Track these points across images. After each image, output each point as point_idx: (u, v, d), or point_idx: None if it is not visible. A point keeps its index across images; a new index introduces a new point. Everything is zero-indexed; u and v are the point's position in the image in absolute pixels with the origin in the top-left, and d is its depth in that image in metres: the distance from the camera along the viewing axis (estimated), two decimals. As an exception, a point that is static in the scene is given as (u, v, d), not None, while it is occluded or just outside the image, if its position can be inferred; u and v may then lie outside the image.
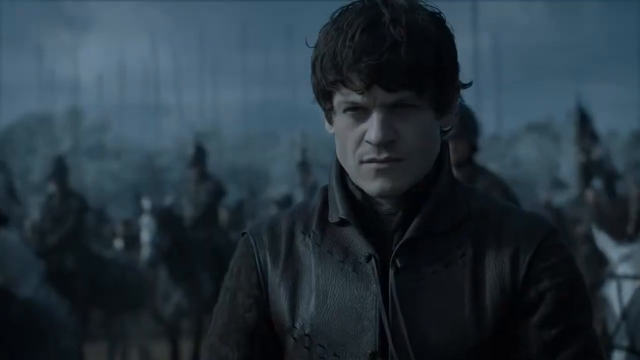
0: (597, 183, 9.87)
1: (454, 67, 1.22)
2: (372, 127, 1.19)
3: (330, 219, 1.26)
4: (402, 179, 1.21)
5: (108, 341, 7.81)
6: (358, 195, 1.24)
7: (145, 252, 7.29)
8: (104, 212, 14.90)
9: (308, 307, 1.23)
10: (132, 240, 9.31)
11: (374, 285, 1.21)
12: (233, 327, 1.26)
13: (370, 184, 1.21)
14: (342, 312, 1.21)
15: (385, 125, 1.19)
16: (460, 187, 1.28)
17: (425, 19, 1.19)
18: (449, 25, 1.23)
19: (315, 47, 1.22)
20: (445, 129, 1.26)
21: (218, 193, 7.61)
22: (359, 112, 1.21)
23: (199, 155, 7.64)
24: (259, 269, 1.27)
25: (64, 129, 28.63)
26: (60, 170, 7.39)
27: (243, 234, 1.30)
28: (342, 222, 1.25)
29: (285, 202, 10.38)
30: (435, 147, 1.24)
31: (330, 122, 1.25)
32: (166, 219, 7.29)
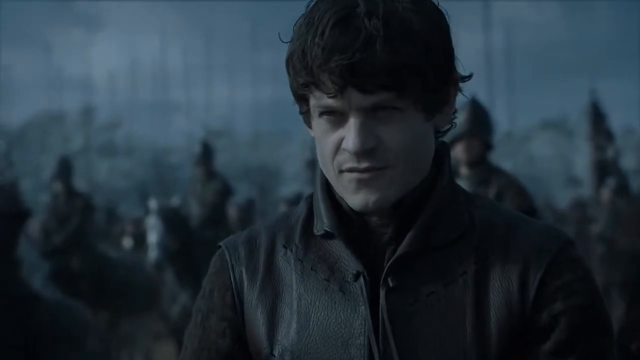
0: (612, 181, 9.72)
1: (447, 61, 1.06)
2: (350, 134, 1.05)
3: (315, 230, 1.11)
4: (388, 190, 1.06)
5: (114, 342, 7.73)
6: (345, 205, 1.10)
7: (152, 253, 7.22)
8: (114, 211, 14.87)
9: (288, 332, 1.08)
10: (141, 239, 9.24)
11: (363, 308, 1.06)
12: (204, 356, 1.13)
13: (353, 197, 1.07)
14: (327, 339, 1.06)
15: (363, 131, 1.04)
16: (462, 194, 1.13)
17: (409, 7, 1.04)
18: (441, 14, 1.07)
19: (290, 42, 1.07)
20: (442, 129, 1.10)
21: (225, 192, 7.53)
22: (336, 117, 1.06)
23: (206, 154, 7.56)
24: (233, 288, 1.12)
25: (76, 127, 28.66)
26: (65, 169, 7.34)
27: (218, 247, 1.16)
28: (328, 235, 1.10)
29: (296, 200, 10.26)
30: (427, 152, 1.09)
31: (310, 126, 1.10)
32: (173, 219, 7.21)
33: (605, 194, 9.37)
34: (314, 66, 1.03)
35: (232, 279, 1.12)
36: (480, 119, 4.17)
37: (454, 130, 4.34)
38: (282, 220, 1.15)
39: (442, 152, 1.12)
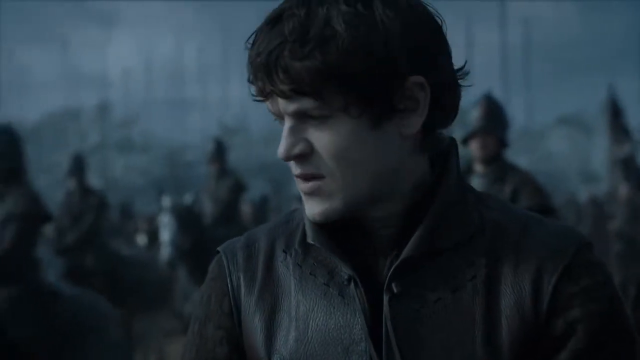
0: (633, 178, 9.61)
1: (389, 64, 0.97)
2: (281, 139, 1.01)
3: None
4: (331, 202, 1.00)
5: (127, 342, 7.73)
6: None
7: (165, 252, 7.22)
8: (129, 207, 14.89)
9: (287, 340, 1.03)
10: (156, 236, 9.25)
11: (358, 313, 1.00)
12: None
13: (305, 206, 1.03)
14: (327, 345, 1.01)
15: (290, 136, 1.00)
16: (471, 194, 1.06)
17: (346, 11, 0.96)
18: (398, 18, 0.97)
19: None
20: (406, 132, 1.01)
21: (238, 189, 7.51)
22: (282, 121, 1.02)
23: (219, 151, 7.55)
24: (231, 295, 1.07)
25: (92, 124, 28.80)
26: (79, 167, 7.33)
27: (217, 252, 1.11)
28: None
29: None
30: (383, 160, 1.00)
31: None
32: (186, 217, 7.20)
33: (623, 190, 9.26)
34: (248, 69, 1.01)
35: (229, 285, 1.07)
36: (495, 115, 4.10)
37: (469, 127, 4.26)
38: (283, 224, 1.09)
39: (448, 149, 1.06)
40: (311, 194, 1.00)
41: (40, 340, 4.34)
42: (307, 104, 0.98)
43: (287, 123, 1.00)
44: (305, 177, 1.00)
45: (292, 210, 1.11)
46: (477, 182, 3.95)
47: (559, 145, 30.66)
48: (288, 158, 1.00)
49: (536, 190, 3.93)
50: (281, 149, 1.00)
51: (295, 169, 1.01)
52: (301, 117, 0.99)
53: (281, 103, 0.99)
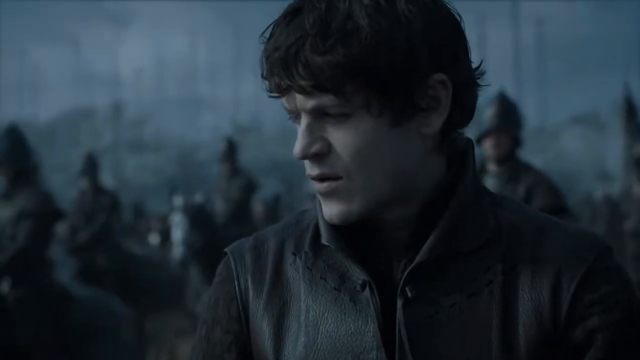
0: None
1: (411, 60, 0.95)
2: (297, 138, 0.97)
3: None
4: (349, 204, 0.97)
5: (140, 339, 7.75)
6: None
7: (177, 251, 7.22)
8: (141, 207, 14.93)
9: (295, 346, 1.00)
10: (168, 236, 9.26)
11: (370, 320, 0.97)
12: None
13: (323, 207, 0.99)
14: (336, 353, 0.97)
15: (307, 134, 0.96)
16: (487, 196, 1.03)
17: (368, 4, 0.94)
18: (419, 13, 0.95)
19: None
20: (426, 131, 0.97)
21: (250, 188, 7.51)
22: (297, 119, 0.99)
23: (231, 150, 7.55)
24: (239, 298, 1.04)
25: (105, 123, 28.90)
26: (92, 166, 7.35)
27: (224, 253, 1.08)
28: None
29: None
30: (400, 160, 0.97)
31: None
32: (198, 216, 7.21)
33: (638, 189, 9.18)
34: (264, 63, 0.97)
35: (237, 288, 1.04)
36: (508, 114, 4.07)
37: (482, 126, 4.22)
38: (293, 225, 1.06)
39: (465, 150, 1.02)
40: (328, 195, 0.97)
41: (50, 341, 4.34)
42: (327, 100, 0.95)
43: (304, 120, 0.97)
44: (321, 179, 0.97)
45: (303, 211, 1.08)
46: (490, 182, 3.92)
47: (573, 144, 30.51)
48: (304, 157, 0.97)
49: (550, 190, 3.88)
50: (297, 148, 0.96)
51: (311, 169, 0.97)
52: (319, 115, 0.96)
53: (299, 99, 0.96)
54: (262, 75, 0.98)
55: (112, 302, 4.86)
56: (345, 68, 0.93)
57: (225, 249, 1.08)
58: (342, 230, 1.00)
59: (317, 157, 0.96)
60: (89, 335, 4.48)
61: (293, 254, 1.03)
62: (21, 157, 4.43)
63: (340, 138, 0.95)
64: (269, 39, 0.97)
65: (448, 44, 0.97)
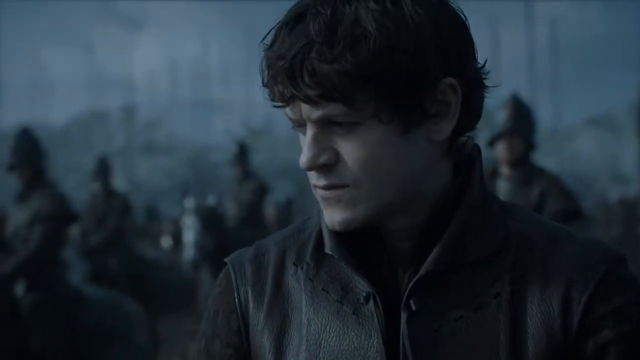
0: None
1: (421, 65, 0.91)
2: (303, 148, 0.94)
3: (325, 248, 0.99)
4: (353, 211, 0.93)
5: (153, 340, 7.76)
6: None
7: (189, 253, 7.21)
8: (154, 209, 14.95)
9: None
10: (180, 238, 9.27)
11: (374, 334, 0.94)
12: None
13: (325, 214, 0.96)
14: None
15: (314, 145, 0.93)
16: (495, 204, 0.99)
17: (374, 9, 0.90)
18: (427, 17, 0.91)
19: None
20: (436, 137, 0.94)
21: (261, 191, 7.49)
22: (302, 129, 0.95)
23: (242, 154, 7.53)
24: (239, 311, 1.01)
25: (118, 126, 29.00)
26: (103, 170, 7.36)
27: (224, 264, 1.05)
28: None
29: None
30: (408, 167, 0.94)
31: None
32: (210, 218, 7.19)
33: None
34: (266, 71, 0.93)
35: (237, 300, 1.01)
36: (522, 116, 4.02)
37: (495, 129, 4.17)
38: (294, 235, 1.03)
39: (471, 156, 0.99)
40: (332, 203, 0.94)
41: (63, 344, 4.34)
42: (334, 109, 0.91)
43: (310, 131, 0.93)
44: (328, 187, 0.94)
45: (305, 219, 1.04)
46: (503, 185, 3.88)
47: (588, 146, 30.33)
48: (311, 168, 0.93)
49: (564, 194, 3.84)
50: (304, 159, 0.93)
51: (317, 179, 0.94)
52: (326, 124, 0.92)
53: (305, 109, 0.92)
54: (263, 83, 0.95)
55: (125, 303, 4.85)
56: (354, 76, 0.89)
57: (226, 259, 1.05)
58: (346, 239, 0.97)
59: (324, 168, 0.93)
60: (102, 337, 4.48)
61: (294, 264, 1.00)
62: (35, 158, 4.47)
63: (349, 147, 0.92)
64: (270, 46, 0.93)
65: (455, 45, 0.94)
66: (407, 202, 0.95)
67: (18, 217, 4.44)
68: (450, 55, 0.93)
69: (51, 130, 26.79)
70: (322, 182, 0.94)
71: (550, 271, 0.94)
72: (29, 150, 4.44)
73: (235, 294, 1.01)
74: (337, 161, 0.93)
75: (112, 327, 4.51)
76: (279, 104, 0.94)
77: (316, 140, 0.93)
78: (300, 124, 0.95)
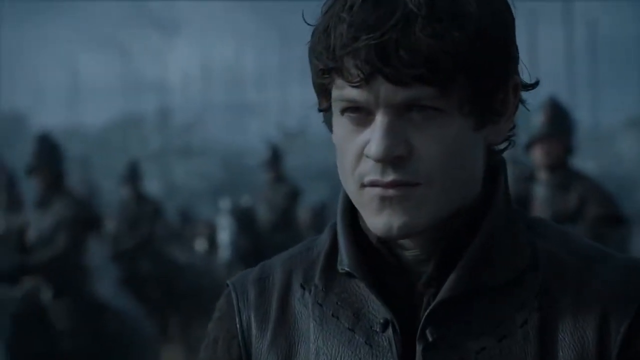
0: None
1: (506, 58, 0.84)
2: (374, 136, 0.82)
3: (338, 267, 0.89)
4: (417, 214, 0.83)
5: (185, 346, 7.78)
6: (372, 236, 0.87)
7: (225, 252, 7.19)
8: (188, 212, 14.99)
9: None
10: (214, 242, 9.26)
11: None
12: None
13: (374, 219, 0.84)
14: None
15: (391, 133, 0.82)
16: (522, 221, 0.89)
17: None
18: (506, 4, 0.85)
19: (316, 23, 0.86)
20: (496, 146, 0.86)
21: (294, 195, 7.47)
22: (361, 115, 0.83)
23: (275, 157, 7.51)
24: (240, 338, 0.92)
25: (153, 129, 29.25)
26: (134, 174, 7.38)
27: (226, 285, 0.96)
28: (351, 274, 0.89)
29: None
30: (472, 170, 0.85)
31: (330, 128, 0.88)
32: (245, 219, 7.19)
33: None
34: (337, 47, 0.81)
35: (238, 325, 0.92)
36: (560, 119, 3.92)
37: (532, 132, 4.05)
38: (302, 253, 0.94)
39: (496, 169, 0.89)
40: (394, 204, 0.83)
41: (89, 352, 4.36)
42: (423, 92, 0.82)
43: (385, 117, 0.82)
44: (395, 184, 0.83)
45: (313, 238, 0.95)
46: (539, 190, 3.77)
47: (629, 148, 29.82)
48: (385, 159, 0.82)
49: (604, 198, 3.72)
50: (379, 148, 0.82)
51: (381, 174, 0.83)
52: (403, 112, 0.83)
53: (387, 91, 0.82)
54: (325, 66, 0.82)
55: (142, 321, 4.88)
56: (454, 57, 0.81)
57: (227, 281, 0.96)
58: (364, 257, 0.88)
59: (396, 161, 0.83)
60: (117, 348, 4.50)
61: (302, 286, 0.91)
62: (55, 163, 4.52)
63: (428, 139, 0.82)
64: (342, 22, 0.81)
65: (516, 41, 0.87)
66: (454, 210, 0.85)
67: (41, 223, 4.45)
68: (517, 51, 0.86)
69: (87, 134, 27.10)
70: (389, 177, 0.83)
71: (584, 297, 0.85)
72: (49, 154, 4.49)
73: (237, 319, 0.92)
74: (411, 154, 0.83)
75: (129, 341, 4.54)
76: (353, 83, 0.82)
77: (393, 129, 0.82)
78: (366, 110, 0.83)
